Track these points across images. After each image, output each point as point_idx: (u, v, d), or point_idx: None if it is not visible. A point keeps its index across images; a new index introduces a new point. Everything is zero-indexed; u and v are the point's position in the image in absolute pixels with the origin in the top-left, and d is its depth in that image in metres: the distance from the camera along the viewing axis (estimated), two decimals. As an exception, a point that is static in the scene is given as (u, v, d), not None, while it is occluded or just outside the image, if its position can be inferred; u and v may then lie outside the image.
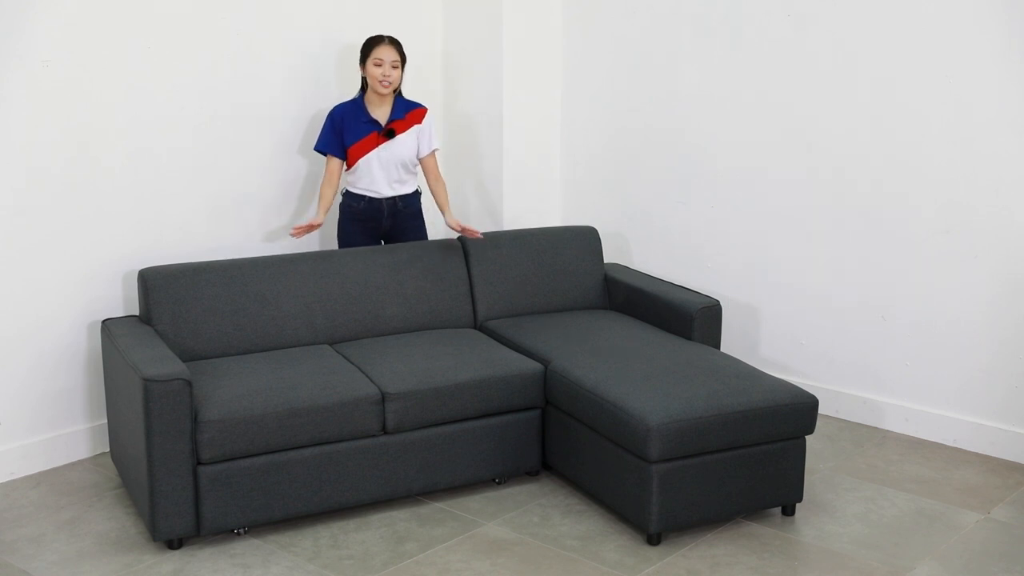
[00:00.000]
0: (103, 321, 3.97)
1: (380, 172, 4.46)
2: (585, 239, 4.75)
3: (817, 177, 4.58)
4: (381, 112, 4.45)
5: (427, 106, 4.59)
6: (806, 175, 4.61)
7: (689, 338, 4.21)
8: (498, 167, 5.14)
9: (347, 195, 4.53)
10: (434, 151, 4.55)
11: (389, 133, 4.43)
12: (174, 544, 3.47)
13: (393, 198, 4.52)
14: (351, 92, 4.84)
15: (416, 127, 4.50)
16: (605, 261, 4.90)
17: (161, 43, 4.21)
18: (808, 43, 4.51)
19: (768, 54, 4.63)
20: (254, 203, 4.62)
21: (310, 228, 4.32)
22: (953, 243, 4.24)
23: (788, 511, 3.74)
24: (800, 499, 3.72)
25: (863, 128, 4.40)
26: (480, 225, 5.05)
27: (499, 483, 3.98)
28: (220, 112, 4.44)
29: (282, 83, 4.64)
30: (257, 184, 4.62)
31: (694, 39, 4.85)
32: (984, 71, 4.07)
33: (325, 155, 4.47)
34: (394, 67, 4.37)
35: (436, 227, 4.89)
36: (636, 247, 5.22)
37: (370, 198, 4.49)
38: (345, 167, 4.50)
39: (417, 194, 4.62)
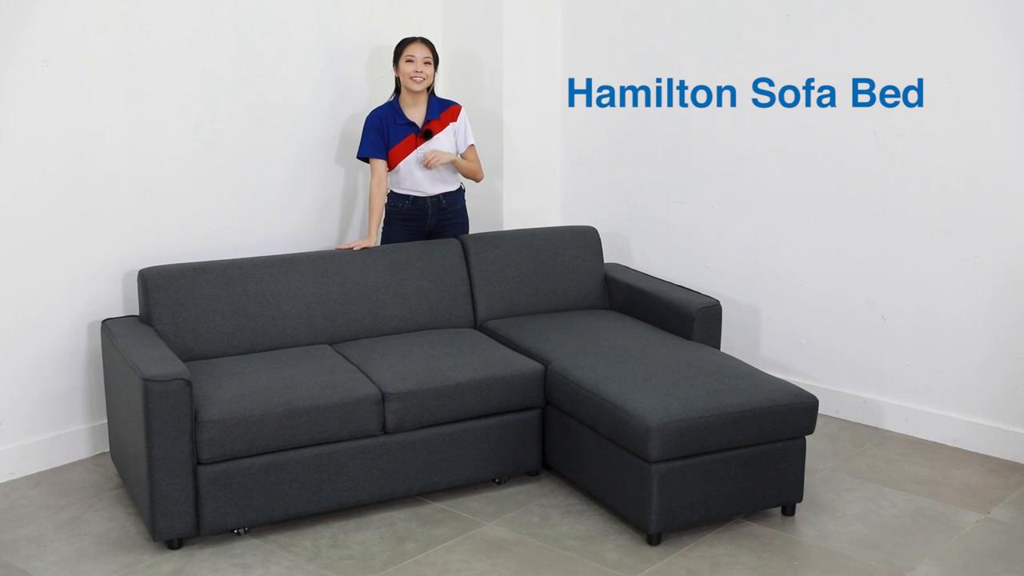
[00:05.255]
0: (103, 321, 3.97)
1: (421, 173, 4.49)
2: (585, 239, 4.75)
3: (817, 177, 4.57)
4: (416, 113, 4.48)
5: (460, 103, 4.61)
6: (806, 175, 4.61)
7: (689, 338, 4.21)
8: (498, 167, 5.14)
9: (391, 195, 4.54)
10: (471, 146, 4.57)
11: (427, 134, 4.46)
12: (174, 544, 3.47)
13: (437, 196, 4.55)
14: (353, 91, 4.85)
15: (452, 125, 4.52)
16: (605, 261, 4.90)
17: (162, 43, 4.21)
18: (807, 43, 4.51)
19: (767, 54, 4.63)
20: (254, 203, 4.61)
21: (365, 248, 4.35)
22: (953, 243, 4.24)
23: (788, 511, 3.74)
24: (800, 499, 3.72)
25: (863, 128, 4.40)
26: (480, 225, 5.03)
27: (499, 483, 3.98)
28: (221, 112, 4.44)
29: (282, 83, 4.64)
30: (258, 184, 4.61)
31: (694, 38, 4.85)
32: (984, 70, 4.07)
33: (368, 161, 4.47)
34: (426, 63, 4.41)
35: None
36: (636, 247, 5.22)
37: (415, 197, 4.52)
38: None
39: (461, 191, 4.65)
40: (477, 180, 4.66)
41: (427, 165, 4.42)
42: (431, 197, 4.53)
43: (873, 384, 4.57)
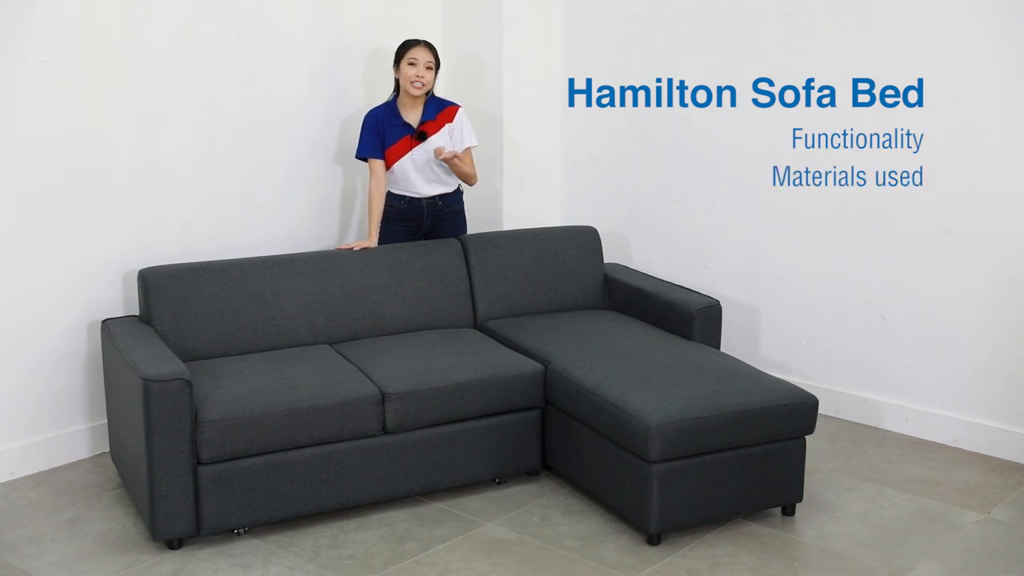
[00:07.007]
0: (103, 321, 3.97)
1: (416, 175, 4.48)
2: (585, 239, 4.75)
3: (817, 177, 4.57)
4: (413, 115, 4.47)
5: (460, 104, 4.58)
6: (806, 175, 4.61)
7: (689, 338, 4.21)
8: (498, 167, 5.14)
9: (388, 195, 4.52)
10: (468, 148, 4.52)
11: (421, 136, 4.45)
12: (174, 544, 3.47)
13: (433, 197, 4.54)
14: (353, 91, 4.85)
15: (448, 126, 4.50)
16: (605, 261, 4.90)
17: (162, 44, 4.21)
18: (807, 43, 4.51)
19: (767, 54, 4.63)
20: (254, 202, 4.61)
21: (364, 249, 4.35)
22: (953, 243, 4.24)
23: (788, 511, 3.74)
24: (800, 499, 3.72)
25: (863, 128, 4.40)
26: (480, 225, 5.04)
27: (499, 483, 3.98)
28: (221, 112, 4.44)
29: (282, 83, 4.64)
30: (257, 184, 4.61)
31: (694, 38, 4.85)
32: (984, 70, 4.07)
33: (366, 160, 4.46)
34: (428, 68, 4.40)
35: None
36: (636, 247, 5.22)
37: (411, 198, 4.51)
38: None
39: (458, 193, 4.64)
40: (470, 184, 4.61)
41: (441, 157, 4.37)
42: (427, 198, 4.52)
43: (873, 384, 4.57)
